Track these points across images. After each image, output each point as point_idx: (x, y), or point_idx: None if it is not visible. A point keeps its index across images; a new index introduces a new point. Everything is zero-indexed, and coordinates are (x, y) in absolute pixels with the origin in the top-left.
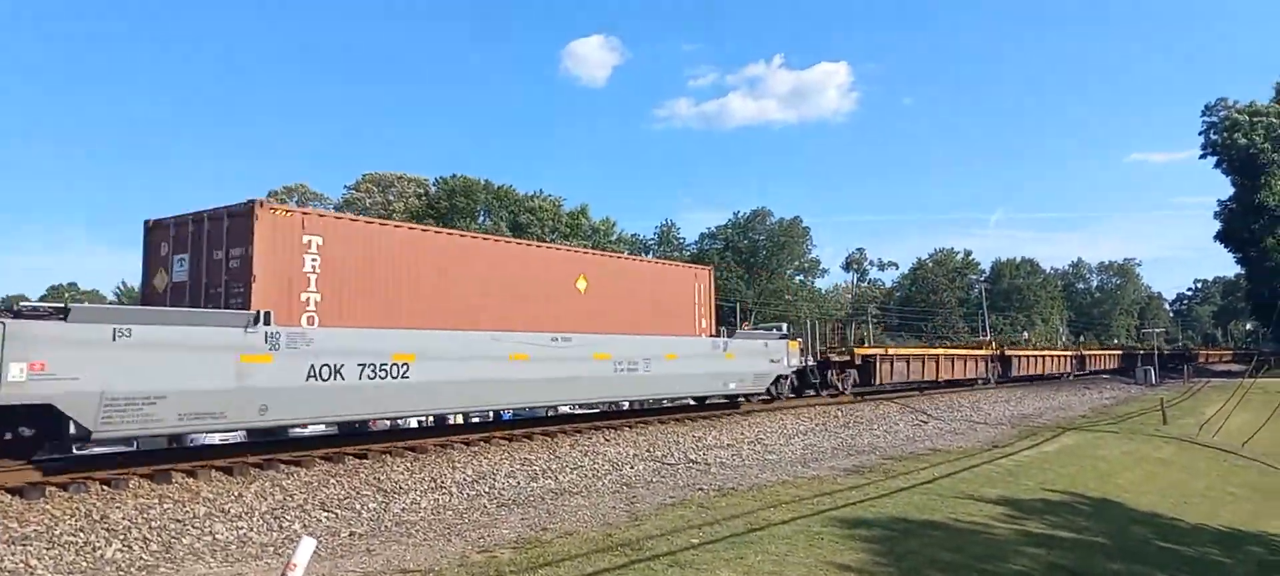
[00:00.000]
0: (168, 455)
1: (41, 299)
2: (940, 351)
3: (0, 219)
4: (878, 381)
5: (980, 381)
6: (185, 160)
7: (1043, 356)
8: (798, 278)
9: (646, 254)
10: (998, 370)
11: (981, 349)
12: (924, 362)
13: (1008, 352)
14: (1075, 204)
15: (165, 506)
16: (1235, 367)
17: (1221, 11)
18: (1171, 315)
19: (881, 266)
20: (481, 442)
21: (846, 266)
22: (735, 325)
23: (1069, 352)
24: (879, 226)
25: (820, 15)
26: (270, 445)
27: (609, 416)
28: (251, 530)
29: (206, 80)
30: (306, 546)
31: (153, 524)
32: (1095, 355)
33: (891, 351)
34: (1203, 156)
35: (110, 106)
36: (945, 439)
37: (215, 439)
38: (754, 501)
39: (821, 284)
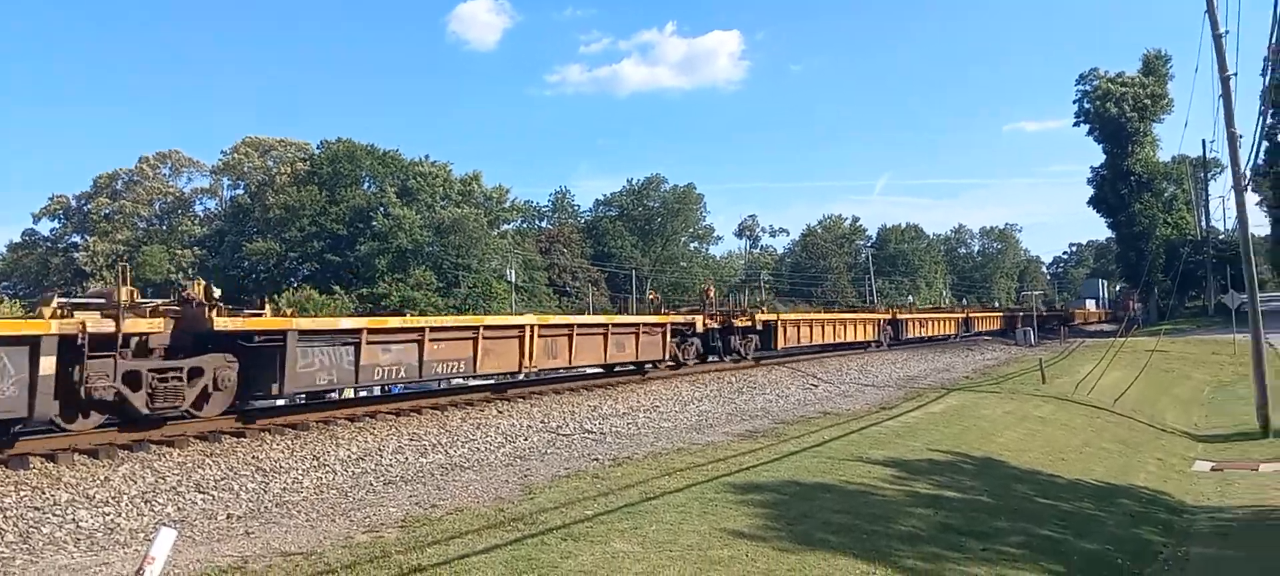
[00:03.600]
0: (22, 439)
1: None
2: (940, 314)
3: None
4: (906, 336)
5: (953, 338)
6: (46, 124)
7: (991, 316)
8: (692, 244)
9: (541, 221)
10: (964, 329)
11: (955, 313)
12: (930, 322)
13: (971, 315)
14: (957, 171)
15: (22, 493)
16: (1108, 327)
17: None
18: (1049, 277)
19: (773, 233)
20: (367, 418)
21: (739, 233)
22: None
23: (1001, 312)
24: (770, 193)
25: None
26: (144, 424)
27: (501, 388)
28: (119, 515)
29: (71, 34)
30: (165, 538)
31: (8, 513)
32: (1017, 314)
33: (903, 315)
34: (1076, 124)
35: None
36: (835, 402)
37: None
38: (649, 470)
39: (715, 250)
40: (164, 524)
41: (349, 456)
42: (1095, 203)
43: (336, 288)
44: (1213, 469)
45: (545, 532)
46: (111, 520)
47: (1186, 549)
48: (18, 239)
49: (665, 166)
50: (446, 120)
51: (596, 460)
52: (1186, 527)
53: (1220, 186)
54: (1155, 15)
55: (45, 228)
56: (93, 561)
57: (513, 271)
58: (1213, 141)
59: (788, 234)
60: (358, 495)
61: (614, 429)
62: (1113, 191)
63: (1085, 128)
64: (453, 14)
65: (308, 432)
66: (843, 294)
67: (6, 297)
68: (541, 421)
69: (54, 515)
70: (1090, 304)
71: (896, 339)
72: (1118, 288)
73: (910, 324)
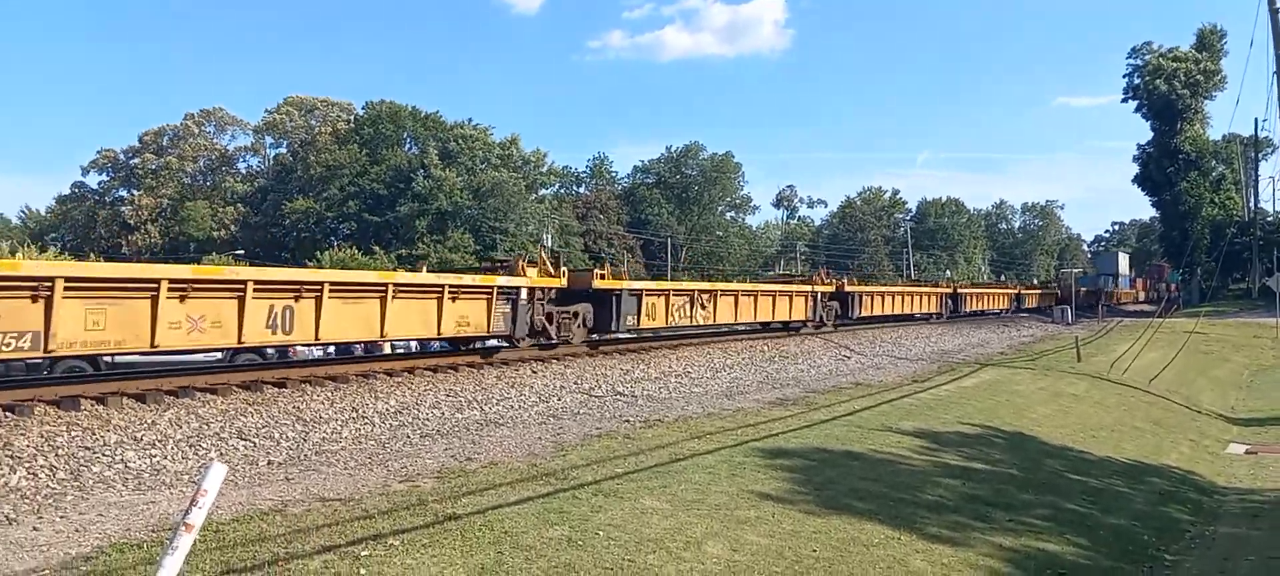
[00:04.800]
0: (76, 381)
1: None
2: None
3: None
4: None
5: (1005, 312)
6: (96, 79)
7: (1040, 292)
8: (729, 214)
9: (578, 187)
10: (1015, 304)
11: (1007, 288)
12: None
13: (1022, 291)
14: (1000, 145)
15: (73, 433)
16: (1146, 308)
17: None
18: (1089, 256)
19: (811, 204)
20: (406, 374)
21: (777, 203)
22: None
23: (1038, 290)
24: (810, 164)
25: None
26: (186, 371)
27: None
28: (165, 458)
29: None
30: (216, 472)
31: (60, 451)
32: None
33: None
34: (1124, 100)
35: (14, 23)
36: (867, 373)
37: None
38: (679, 432)
39: (752, 220)
40: (224, 463)
41: (387, 409)
42: (1140, 181)
43: (376, 247)
44: (1247, 452)
45: (577, 488)
46: (158, 462)
47: (1214, 528)
48: (66, 192)
49: (704, 134)
50: (487, 83)
51: (628, 421)
52: (1216, 508)
53: (1271, 167)
54: None
55: (93, 181)
56: (140, 500)
57: (549, 236)
58: (1265, 120)
59: (826, 205)
60: (395, 446)
61: (646, 392)
62: (1159, 169)
63: (1134, 104)
64: None
65: (347, 385)
66: (880, 267)
67: (55, 249)
68: (575, 382)
69: (104, 455)
70: (1107, 280)
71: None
72: (1145, 265)
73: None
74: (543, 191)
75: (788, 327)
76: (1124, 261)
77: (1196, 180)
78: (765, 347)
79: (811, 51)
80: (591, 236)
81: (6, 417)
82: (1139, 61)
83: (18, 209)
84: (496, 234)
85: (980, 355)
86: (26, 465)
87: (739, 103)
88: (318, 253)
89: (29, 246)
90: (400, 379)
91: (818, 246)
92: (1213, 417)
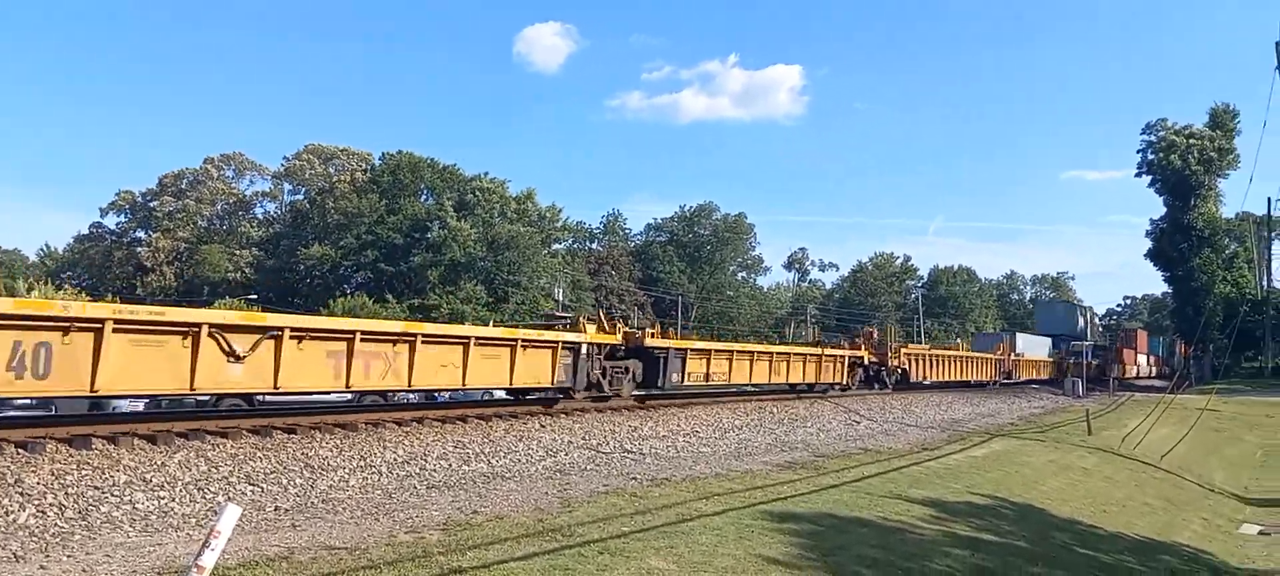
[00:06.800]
0: (88, 420)
1: None
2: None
3: None
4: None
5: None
6: (119, 120)
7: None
8: (740, 274)
9: (592, 243)
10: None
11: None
12: None
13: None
14: (1012, 216)
15: (83, 472)
16: (1158, 383)
17: (1163, 34)
18: (1101, 329)
19: (822, 267)
20: (414, 423)
21: (788, 265)
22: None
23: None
24: (822, 228)
25: (776, 17)
26: (196, 415)
27: (547, 402)
28: (173, 500)
29: (144, 34)
30: (231, 514)
31: (69, 490)
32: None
33: None
34: (1138, 175)
35: (43, 60)
36: (876, 439)
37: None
38: (687, 492)
39: (763, 281)
40: (231, 501)
41: (395, 459)
42: (1153, 255)
43: (389, 297)
44: (1261, 532)
45: (582, 545)
46: (165, 504)
47: None
48: (85, 231)
49: (718, 195)
50: (505, 138)
51: (635, 479)
52: None
53: None
54: (1228, 67)
55: (111, 221)
56: (147, 541)
57: (561, 290)
58: (1278, 199)
59: (837, 269)
60: (402, 497)
61: (654, 450)
62: (1172, 245)
63: (1147, 179)
64: (520, 36)
65: (356, 433)
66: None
67: (71, 288)
68: (582, 438)
69: (112, 495)
70: (1026, 346)
71: None
72: (1100, 333)
73: None
74: (556, 245)
75: (812, 389)
76: (1080, 319)
77: (1209, 257)
78: (774, 409)
79: (826, 118)
80: (603, 292)
81: (18, 454)
82: (1153, 137)
83: (37, 247)
84: (509, 286)
85: (990, 425)
86: (35, 503)
87: (753, 165)
88: (330, 299)
89: (45, 284)
90: (408, 428)
91: (828, 309)
92: (1226, 496)
